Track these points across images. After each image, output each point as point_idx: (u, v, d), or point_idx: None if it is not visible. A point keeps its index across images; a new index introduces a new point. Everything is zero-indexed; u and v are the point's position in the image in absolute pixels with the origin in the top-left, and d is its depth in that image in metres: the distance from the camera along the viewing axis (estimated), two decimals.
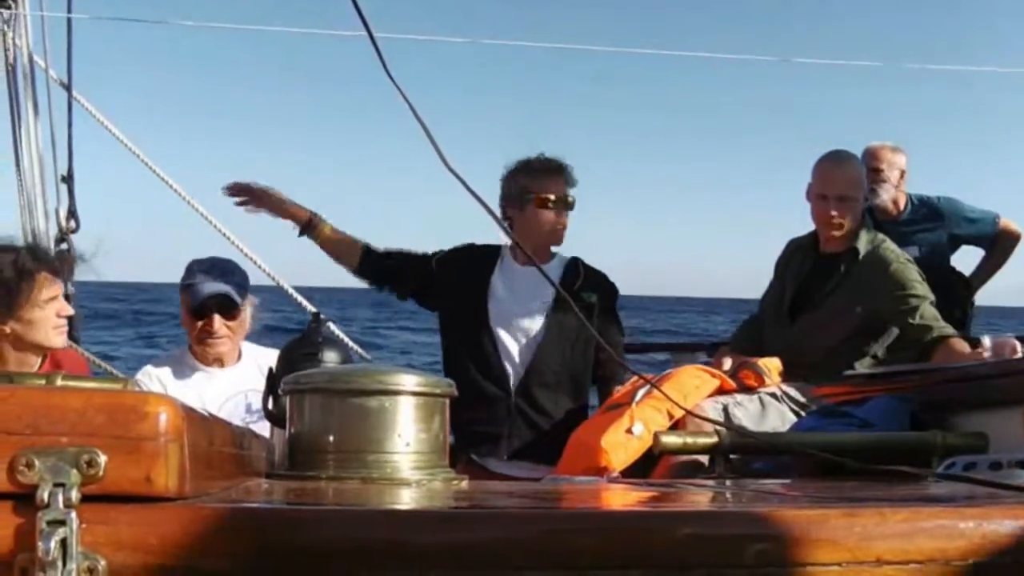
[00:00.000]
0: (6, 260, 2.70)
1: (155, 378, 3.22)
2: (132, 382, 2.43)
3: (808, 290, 3.36)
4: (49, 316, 2.81)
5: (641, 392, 2.82)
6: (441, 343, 3.49)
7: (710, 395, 2.92)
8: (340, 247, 3.45)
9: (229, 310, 3.15)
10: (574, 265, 3.42)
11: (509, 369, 3.25)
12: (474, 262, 3.41)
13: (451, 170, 1.54)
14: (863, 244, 3.29)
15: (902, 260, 3.27)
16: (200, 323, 3.14)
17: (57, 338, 2.88)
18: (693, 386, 2.92)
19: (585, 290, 3.31)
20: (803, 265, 3.45)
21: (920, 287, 3.21)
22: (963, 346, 3.07)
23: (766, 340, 3.41)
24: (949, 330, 3.14)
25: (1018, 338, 4.52)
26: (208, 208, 4.29)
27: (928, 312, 3.16)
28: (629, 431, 2.71)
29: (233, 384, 3.16)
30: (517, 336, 3.29)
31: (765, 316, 3.54)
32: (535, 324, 3.28)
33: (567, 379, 3.29)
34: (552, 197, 3.26)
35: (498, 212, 3.18)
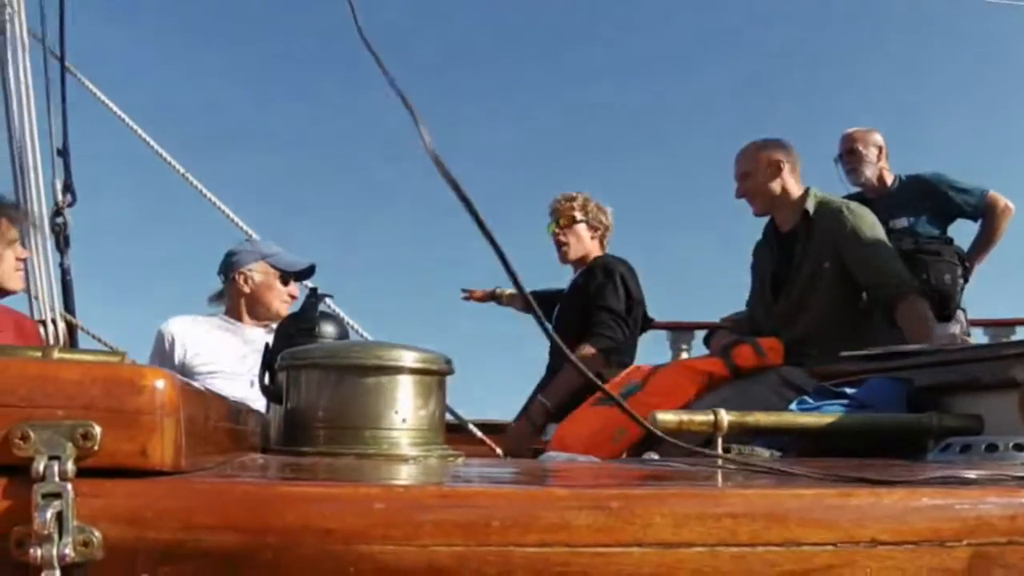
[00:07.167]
0: None
1: (176, 325, 3.70)
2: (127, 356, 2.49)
3: (782, 268, 3.48)
4: (8, 257, 2.95)
5: (626, 391, 2.90)
6: None
7: (698, 389, 2.95)
8: (514, 303, 4.97)
9: (304, 280, 3.88)
10: (590, 267, 4.27)
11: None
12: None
13: (433, 156, 1.17)
14: (812, 205, 3.42)
15: (851, 208, 3.39)
16: (286, 287, 3.80)
17: (15, 281, 3.06)
18: (678, 386, 2.95)
19: (579, 279, 4.28)
20: (771, 250, 3.60)
21: (870, 233, 3.31)
22: (922, 308, 3.16)
23: (760, 327, 3.46)
24: (905, 283, 3.23)
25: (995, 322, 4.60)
26: (207, 186, 4.28)
27: (883, 261, 3.26)
28: (610, 437, 2.79)
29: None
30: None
31: (755, 308, 3.65)
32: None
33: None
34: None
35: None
